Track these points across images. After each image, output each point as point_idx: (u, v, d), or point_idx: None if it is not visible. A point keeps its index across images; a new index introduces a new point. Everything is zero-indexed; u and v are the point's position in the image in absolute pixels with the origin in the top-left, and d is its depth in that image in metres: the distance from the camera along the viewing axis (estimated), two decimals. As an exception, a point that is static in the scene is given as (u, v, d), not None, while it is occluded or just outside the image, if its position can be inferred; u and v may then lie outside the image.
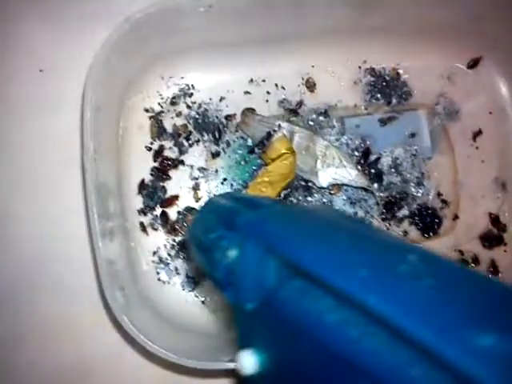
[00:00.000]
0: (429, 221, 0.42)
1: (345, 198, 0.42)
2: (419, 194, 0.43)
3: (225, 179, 0.42)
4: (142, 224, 0.40)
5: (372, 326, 0.15)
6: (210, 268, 0.24)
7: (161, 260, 0.40)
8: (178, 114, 0.42)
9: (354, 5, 0.38)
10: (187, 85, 0.42)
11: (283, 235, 0.20)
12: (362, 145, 0.42)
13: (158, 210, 0.41)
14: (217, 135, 0.42)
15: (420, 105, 0.43)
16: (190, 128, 0.42)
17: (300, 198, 0.42)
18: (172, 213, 0.41)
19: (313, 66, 0.43)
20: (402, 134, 0.43)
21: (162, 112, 0.42)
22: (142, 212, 0.41)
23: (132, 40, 0.35)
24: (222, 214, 0.25)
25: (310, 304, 0.17)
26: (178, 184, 0.41)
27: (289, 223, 0.21)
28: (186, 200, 0.41)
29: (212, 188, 0.41)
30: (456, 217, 0.43)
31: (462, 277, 0.16)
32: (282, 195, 0.41)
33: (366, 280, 0.16)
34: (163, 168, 0.41)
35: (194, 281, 0.40)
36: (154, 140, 0.41)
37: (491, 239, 0.43)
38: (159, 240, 0.41)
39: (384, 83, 0.43)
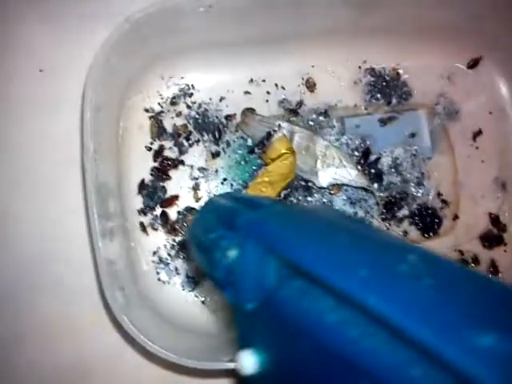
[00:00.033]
0: (429, 221, 0.42)
1: (345, 197, 0.42)
2: (419, 194, 0.43)
3: (225, 179, 0.42)
4: (141, 224, 0.40)
5: (372, 325, 0.15)
6: (209, 268, 0.24)
7: (161, 260, 0.40)
8: (178, 114, 0.42)
9: (353, 5, 0.38)
10: (187, 85, 0.42)
11: (283, 235, 0.20)
12: (362, 145, 0.42)
13: (158, 210, 0.41)
14: (217, 135, 0.42)
15: (420, 105, 0.43)
16: (190, 128, 0.42)
17: (300, 197, 0.42)
18: (172, 213, 0.41)
19: (313, 66, 0.43)
20: (402, 133, 0.43)
21: (162, 112, 0.42)
22: (142, 212, 0.41)
23: (132, 40, 0.35)
24: (221, 214, 0.25)
25: (310, 304, 0.17)
26: (178, 184, 0.41)
27: (289, 223, 0.21)
28: (185, 200, 0.41)
29: (212, 188, 0.41)
30: (456, 217, 0.43)
31: (462, 277, 0.16)
32: (282, 195, 0.41)
33: (366, 280, 0.16)
34: (163, 168, 0.41)
35: (194, 281, 0.40)
36: (154, 140, 0.41)
37: (491, 239, 0.43)
38: (159, 240, 0.41)
39: (384, 83, 0.43)
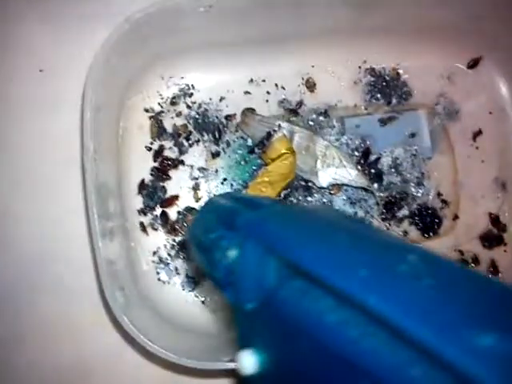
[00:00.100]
0: (429, 221, 0.42)
1: (345, 197, 0.42)
2: (419, 194, 0.43)
3: (225, 179, 0.42)
4: (142, 224, 0.40)
5: (372, 325, 0.15)
6: (210, 268, 0.24)
7: (161, 260, 0.40)
8: (178, 114, 0.42)
9: (353, 5, 0.38)
10: (187, 85, 0.42)
11: (283, 235, 0.20)
12: (362, 145, 0.42)
13: (158, 210, 0.41)
14: (217, 135, 0.42)
15: (420, 105, 0.43)
16: (190, 128, 0.42)
17: (300, 197, 0.42)
18: (172, 213, 0.41)
19: (313, 66, 0.43)
20: (402, 133, 0.43)
21: (162, 112, 0.42)
22: (142, 212, 0.41)
23: (132, 40, 0.35)
24: (222, 214, 0.25)
25: (310, 304, 0.17)
26: (178, 184, 0.41)
27: (289, 223, 0.21)
28: (185, 200, 0.41)
29: (212, 188, 0.41)
30: (456, 217, 0.43)
31: (462, 277, 0.16)
32: (282, 195, 0.41)
33: (366, 280, 0.16)
34: (163, 168, 0.41)
35: (194, 281, 0.40)
36: (154, 140, 0.41)
37: (491, 239, 0.43)
38: (159, 240, 0.41)
39: (384, 83, 0.43)
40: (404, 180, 0.43)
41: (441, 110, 0.44)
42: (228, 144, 0.42)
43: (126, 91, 0.40)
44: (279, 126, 0.41)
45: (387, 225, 0.42)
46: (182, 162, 0.41)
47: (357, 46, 0.42)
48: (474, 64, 0.43)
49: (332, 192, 0.42)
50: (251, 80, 0.42)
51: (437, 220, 0.42)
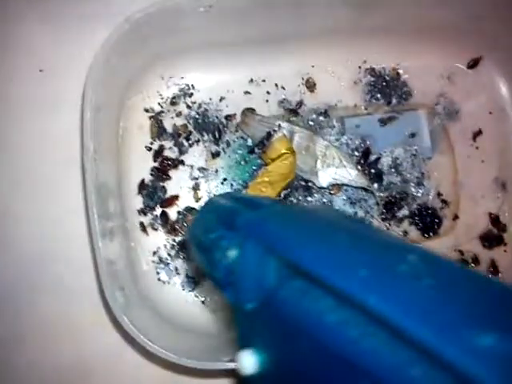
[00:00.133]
0: (429, 221, 0.42)
1: (345, 197, 0.42)
2: (419, 194, 0.43)
3: (225, 179, 0.42)
4: (142, 224, 0.40)
5: (372, 325, 0.15)
6: (210, 268, 0.24)
7: (161, 260, 0.40)
8: (178, 114, 0.42)
9: (354, 5, 0.38)
10: (187, 85, 0.42)
11: (283, 235, 0.20)
12: (362, 145, 0.42)
13: (158, 210, 0.41)
14: (217, 135, 0.42)
15: (420, 105, 0.43)
16: (190, 128, 0.42)
17: (300, 197, 0.42)
18: (172, 213, 0.41)
19: (313, 66, 0.43)
20: (402, 133, 0.43)
21: (162, 112, 0.42)
22: (142, 212, 0.41)
23: (132, 40, 0.35)
24: (222, 214, 0.25)
25: (310, 304, 0.17)
26: (178, 184, 0.41)
27: (289, 223, 0.21)
28: (185, 200, 0.41)
29: (212, 188, 0.41)
30: (456, 217, 0.43)
31: (462, 277, 0.16)
32: (282, 195, 0.41)
33: (366, 280, 0.16)
34: (163, 168, 0.41)
35: (194, 281, 0.40)
36: (154, 140, 0.41)
37: (491, 239, 0.43)
38: (159, 240, 0.41)
39: (384, 83, 0.43)
40: (404, 180, 0.43)
41: (441, 109, 0.44)
42: (228, 144, 0.42)
43: (126, 91, 0.40)
44: (279, 125, 0.41)
45: (387, 225, 0.42)
46: (182, 162, 0.41)
47: (357, 46, 0.42)
48: (474, 64, 0.43)
49: (332, 192, 0.42)
50: (251, 80, 0.42)
51: (437, 220, 0.42)
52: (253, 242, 0.20)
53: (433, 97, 0.44)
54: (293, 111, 0.42)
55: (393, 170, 0.43)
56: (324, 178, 0.41)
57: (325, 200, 0.42)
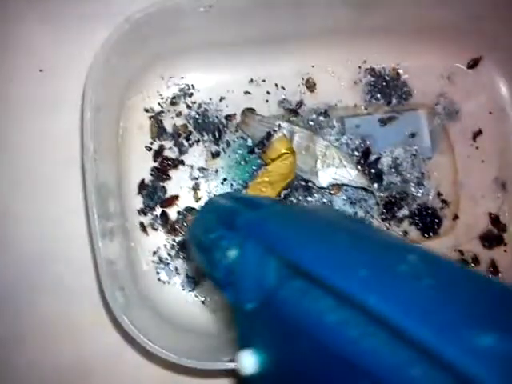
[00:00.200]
0: (429, 221, 0.42)
1: (345, 197, 0.42)
2: (419, 194, 0.43)
3: (225, 179, 0.42)
4: (142, 224, 0.40)
5: (372, 325, 0.15)
6: (210, 268, 0.24)
7: (161, 260, 0.40)
8: (178, 114, 0.42)
9: (354, 5, 0.38)
10: (187, 85, 0.42)
11: (283, 235, 0.20)
12: (362, 145, 0.42)
13: (158, 210, 0.41)
14: (217, 135, 0.42)
15: (420, 105, 0.43)
16: (190, 128, 0.42)
17: (300, 197, 0.42)
18: (172, 213, 0.41)
19: (313, 66, 0.43)
20: (402, 133, 0.43)
21: (162, 112, 0.42)
22: (142, 212, 0.41)
23: (132, 40, 0.35)
24: (222, 214, 0.25)
25: (310, 304, 0.17)
26: (178, 184, 0.41)
27: (289, 223, 0.21)
28: (186, 200, 0.41)
29: (212, 188, 0.41)
30: (456, 217, 0.43)
31: (462, 277, 0.16)
32: (282, 195, 0.41)
33: (366, 280, 0.16)
34: (163, 168, 0.41)
35: (194, 281, 0.40)
36: (154, 140, 0.41)
37: (491, 239, 0.43)
38: (159, 240, 0.41)
39: (384, 83, 0.43)
40: (404, 180, 0.43)
41: (441, 109, 0.44)
42: (228, 144, 0.42)
43: (126, 91, 0.40)
44: (279, 125, 0.41)
45: (387, 225, 0.42)
46: (182, 162, 0.41)
47: (357, 46, 0.42)
48: (474, 64, 0.43)
49: (332, 192, 0.42)
50: (251, 80, 0.42)
51: (437, 220, 0.42)
52: (253, 242, 0.20)
53: (433, 97, 0.44)
54: (293, 111, 0.42)
55: (393, 170, 0.43)
56: (324, 177, 0.41)
57: (325, 200, 0.42)
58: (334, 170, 0.41)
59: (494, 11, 0.39)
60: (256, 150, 0.41)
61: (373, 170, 0.42)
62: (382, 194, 0.42)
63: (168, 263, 0.40)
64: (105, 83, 0.34)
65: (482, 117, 0.44)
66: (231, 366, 0.32)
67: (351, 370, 0.15)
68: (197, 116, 0.42)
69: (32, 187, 0.41)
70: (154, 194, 0.41)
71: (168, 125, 0.42)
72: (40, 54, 0.41)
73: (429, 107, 0.43)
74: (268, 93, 0.42)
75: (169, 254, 0.40)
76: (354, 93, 0.43)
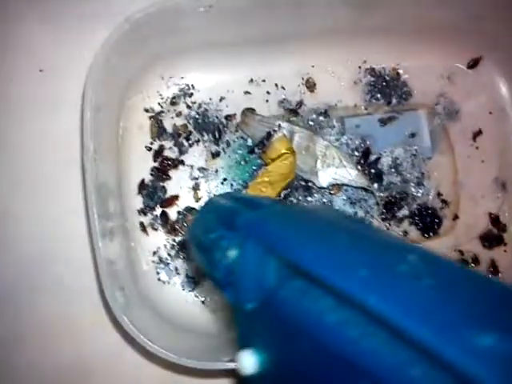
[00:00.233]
0: (429, 221, 0.42)
1: (345, 197, 0.42)
2: (419, 194, 0.43)
3: (225, 179, 0.42)
4: (142, 224, 0.40)
5: (372, 325, 0.15)
6: (210, 268, 0.24)
7: (161, 260, 0.40)
8: (178, 114, 0.42)
9: (354, 5, 0.38)
10: (187, 85, 0.42)
11: (283, 235, 0.20)
12: (362, 145, 0.42)
13: (158, 210, 0.41)
14: (217, 135, 0.42)
15: (420, 105, 0.43)
16: (190, 128, 0.42)
17: (300, 197, 0.42)
18: (172, 213, 0.41)
19: (313, 66, 0.43)
20: (402, 134, 0.43)
21: (162, 112, 0.42)
22: (142, 212, 0.41)
23: (132, 40, 0.35)
24: (222, 214, 0.25)
25: (310, 304, 0.17)
26: (178, 184, 0.41)
27: (289, 223, 0.21)
28: (185, 200, 0.41)
29: (212, 188, 0.41)
30: (456, 217, 0.43)
31: (462, 277, 0.16)
32: (282, 195, 0.41)
33: (366, 280, 0.16)
34: (163, 168, 0.41)
35: (194, 281, 0.40)
36: (154, 140, 0.41)
37: (491, 239, 0.43)
38: (159, 240, 0.41)
39: (384, 83, 0.43)
40: (404, 180, 0.43)
41: (441, 109, 0.44)
42: (228, 144, 0.42)
43: (126, 91, 0.40)
44: (279, 125, 0.41)
45: (387, 225, 0.42)
46: (182, 162, 0.41)
47: (357, 46, 0.42)
48: (474, 64, 0.43)
49: (332, 192, 0.42)
50: (251, 80, 0.42)
51: (437, 220, 0.42)
52: (253, 242, 0.20)
53: (433, 97, 0.44)
54: (293, 111, 0.42)
55: (393, 170, 0.43)
56: (324, 177, 0.41)
57: (325, 200, 0.42)
58: (334, 170, 0.41)
59: (494, 11, 0.39)
60: (256, 149, 0.41)
61: (373, 170, 0.42)
62: (382, 194, 0.42)
63: (168, 263, 0.40)
64: (105, 83, 0.34)
65: (482, 117, 0.44)
66: (231, 365, 0.32)
67: (351, 370, 0.15)
68: (197, 116, 0.42)
69: (32, 187, 0.41)
70: (153, 194, 0.41)
71: (168, 125, 0.42)
72: (40, 53, 0.41)
73: (429, 107, 0.43)
74: (268, 93, 0.42)
75: (169, 254, 0.40)
76: (353, 93, 0.43)
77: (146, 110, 0.41)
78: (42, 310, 0.40)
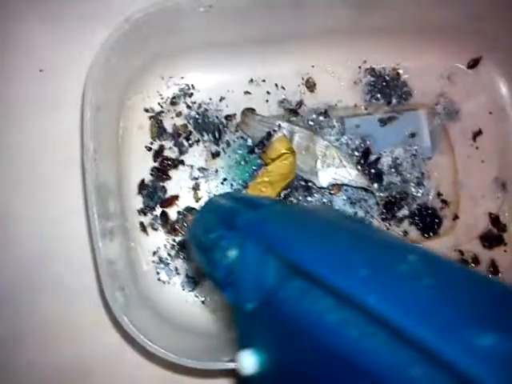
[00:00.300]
0: (429, 221, 0.42)
1: (345, 197, 0.42)
2: (419, 194, 0.43)
3: (225, 179, 0.42)
4: (142, 224, 0.40)
5: (372, 325, 0.15)
6: (210, 268, 0.24)
7: (161, 260, 0.40)
8: (178, 114, 0.42)
9: (353, 5, 0.38)
10: (187, 85, 0.42)
11: (283, 235, 0.20)
12: (362, 145, 0.42)
13: (158, 210, 0.41)
14: (217, 135, 0.42)
15: (420, 105, 0.43)
16: (190, 128, 0.42)
17: (300, 197, 0.42)
18: (172, 213, 0.41)
19: (313, 66, 0.43)
20: (402, 134, 0.43)
21: (162, 112, 0.42)
22: (142, 212, 0.41)
23: (132, 40, 0.35)
24: (222, 214, 0.25)
25: (310, 304, 0.17)
26: (178, 184, 0.41)
27: (289, 223, 0.21)
28: (185, 200, 0.41)
29: (212, 188, 0.41)
30: (456, 217, 0.43)
31: (462, 277, 0.16)
32: (282, 195, 0.41)
33: (366, 280, 0.16)
34: (163, 168, 0.41)
35: (194, 281, 0.40)
36: (154, 140, 0.41)
37: (491, 239, 0.43)
38: (159, 240, 0.41)
39: (384, 83, 0.43)
40: (404, 180, 0.43)
41: (441, 109, 0.44)
42: (228, 144, 0.42)
43: (125, 91, 0.40)
44: (279, 125, 0.41)
45: (387, 225, 0.42)
46: (182, 162, 0.41)
47: (357, 46, 0.42)
48: (474, 64, 0.43)
49: (332, 192, 0.42)
50: (251, 80, 0.42)
51: (437, 220, 0.42)
52: (253, 242, 0.20)
53: (433, 97, 0.44)
54: (293, 111, 0.42)
55: (393, 170, 0.43)
56: (324, 177, 0.41)
57: (325, 200, 0.42)
58: (334, 170, 0.41)
59: (494, 11, 0.39)
60: (256, 149, 0.41)
61: (373, 170, 0.42)
62: (382, 194, 0.42)
63: (168, 263, 0.40)
64: (105, 83, 0.34)
65: (482, 117, 0.44)
66: (231, 365, 0.32)
67: (351, 369, 0.15)
68: (197, 116, 0.42)
69: (32, 187, 0.41)
70: (153, 194, 0.41)
71: (168, 125, 0.42)
72: (40, 53, 0.41)
73: (429, 107, 0.43)
74: (268, 93, 0.42)
75: (169, 254, 0.40)
76: (353, 93, 0.43)
77: (146, 110, 0.41)
78: (42, 309, 0.40)
